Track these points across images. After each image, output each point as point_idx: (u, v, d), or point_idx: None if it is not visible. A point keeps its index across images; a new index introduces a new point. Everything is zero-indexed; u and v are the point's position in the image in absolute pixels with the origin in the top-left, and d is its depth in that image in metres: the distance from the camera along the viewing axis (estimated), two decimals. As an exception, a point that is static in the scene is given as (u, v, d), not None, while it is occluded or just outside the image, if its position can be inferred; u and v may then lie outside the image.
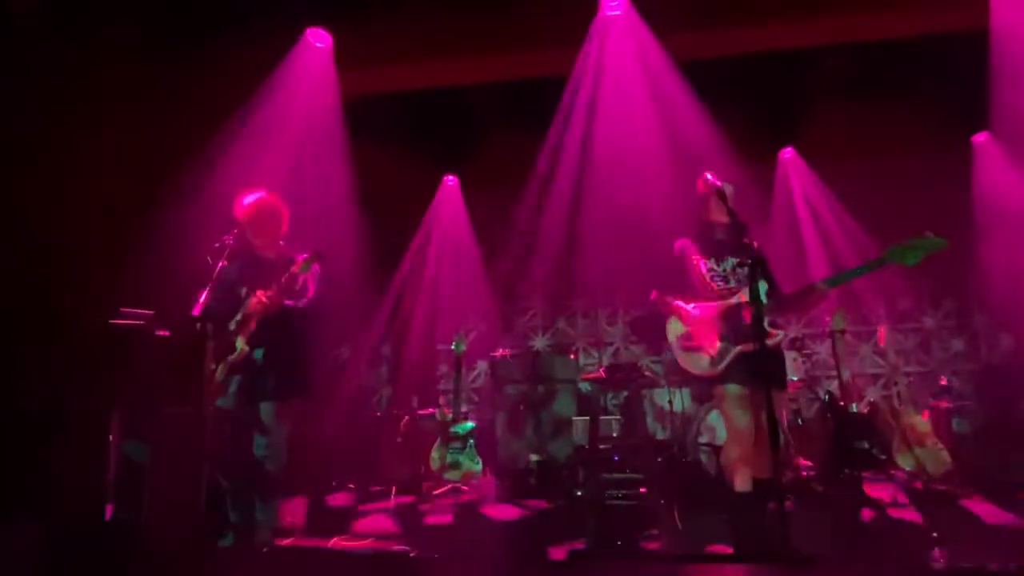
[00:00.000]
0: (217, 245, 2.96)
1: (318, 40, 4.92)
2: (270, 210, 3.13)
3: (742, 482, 2.56)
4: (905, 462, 4.33)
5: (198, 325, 2.69)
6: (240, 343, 2.90)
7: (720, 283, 2.75)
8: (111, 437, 3.16)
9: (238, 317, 2.93)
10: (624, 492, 4.16)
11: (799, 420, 4.94)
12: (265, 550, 2.79)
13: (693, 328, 2.73)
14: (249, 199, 3.11)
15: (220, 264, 2.88)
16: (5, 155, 3.60)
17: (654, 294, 2.89)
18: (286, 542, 3.14)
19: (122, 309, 3.20)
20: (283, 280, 2.88)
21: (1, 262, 3.50)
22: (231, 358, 2.90)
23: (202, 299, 2.71)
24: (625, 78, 5.13)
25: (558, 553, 3.04)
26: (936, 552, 2.56)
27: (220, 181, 4.28)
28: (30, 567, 2.05)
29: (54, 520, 2.58)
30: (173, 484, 3.05)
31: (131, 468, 3.10)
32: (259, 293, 2.88)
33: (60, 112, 3.84)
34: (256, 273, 3.03)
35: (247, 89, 4.70)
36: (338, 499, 4.84)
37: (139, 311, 3.22)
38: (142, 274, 3.67)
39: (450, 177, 6.77)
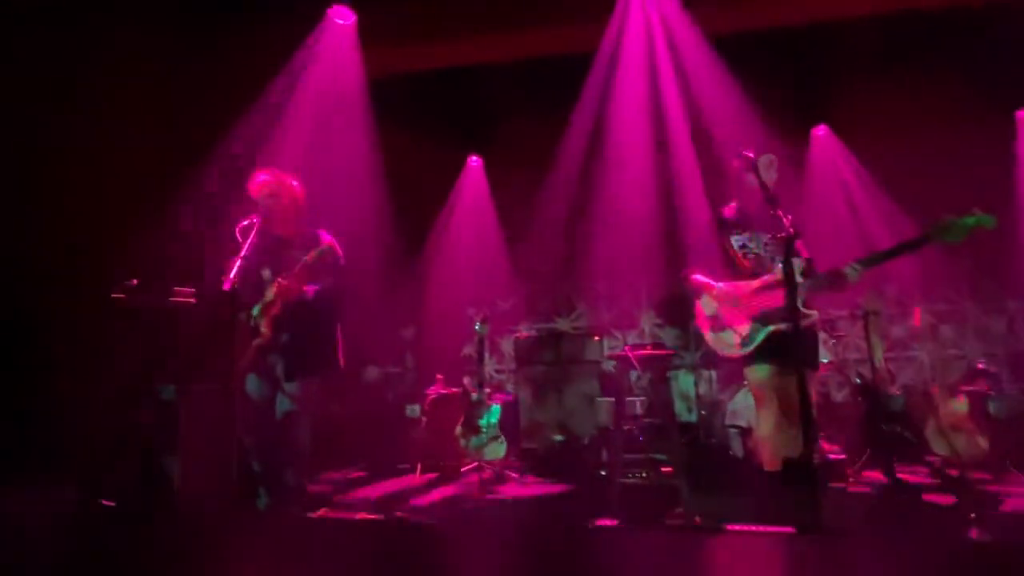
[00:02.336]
0: (245, 223, 2.98)
1: (342, 18, 4.90)
2: (281, 190, 3.10)
3: (772, 462, 2.52)
4: (939, 446, 4.23)
5: (227, 300, 2.72)
6: (264, 326, 2.92)
7: (753, 260, 2.69)
8: (143, 410, 3.24)
9: (263, 300, 2.96)
10: (648, 472, 4.14)
11: (829, 403, 4.85)
12: (294, 520, 2.84)
13: (724, 307, 2.68)
14: (261, 179, 3.10)
15: (248, 242, 2.90)
16: (32, 134, 3.67)
17: (686, 271, 2.84)
18: (313, 514, 3.19)
19: (138, 283, 3.24)
20: (297, 270, 2.89)
21: (29, 241, 3.58)
22: (257, 341, 2.93)
23: (232, 274, 2.74)
24: (653, 53, 5.02)
25: (581, 527, 3.04)
26: (973, 531, 2.50)
27: (244, 160, 4.31)
28: (62, 534, 2.11)
29: (87, 489, 2.65)
30: (204, 458, 3.12)
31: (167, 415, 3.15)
32: (278, 280, 2.90)
33: (82, 92, 3.89)
34: (278, 254, 3.05)
35: (271, 68, 4.71)
36: (363, 474, 4.91)
37: (158, 286, 3.26)
38: (169, 251, 3.74)
39: (474, 158, 6.74)
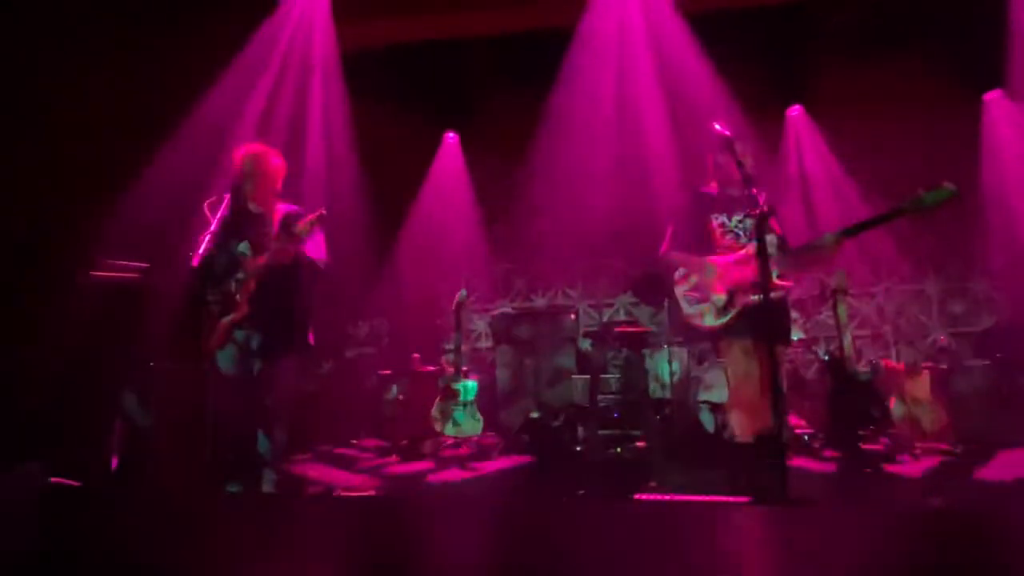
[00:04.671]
0: (215, 198, 2.91)
1: (314, -12, 4.76)
2: (267, 164, 3.05)
3: (744, 434, 2.58)
4: (902, 420, 4.38)
5: (197, 276, 2.67)
6: (240, 302, 2.87)
7: (730, 237, 2.72)
8: (115, 391, 3.18)
9: (238, 275, 2.90)
10: (622, 447, 4.22)
11: (798, 378, 4.97)
12: (269, 497, 2.83)
13: (701, 280, 2.71)
14: (245, 152, 3.04)
15: (218, 217, 2.83)
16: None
17: (663, 248, 2.86)
18: (289, 492, 3.18)
19: (107, 261, 3.18)
20: (282, 242, 2.83)
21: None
22: (228, 318, 2.88)
23: (201, 250, 2.68)
24: (632, 31, 4.99)
25: (556, 501, 3.09)
26: (930, 500, 2.60)
27: (216, 134, 4.20)
28: (35, 513, 2.07)
29: (59, 469, 2.60)
30: (177, 437, 3.08)
31: (135, 424, 3.14)
32: (274, 241, 2.84)
33: (49, 57, 3.74)
34: (252, 229, 2.99)
35: (243, 39, 4.56)
36: (340, 453, 4.90)
37: (128, 263, 3.19)
38: (137, 227, 3.64)
39: (451, 134, 6.66)
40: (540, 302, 6.85)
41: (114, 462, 2.98)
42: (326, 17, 4.91)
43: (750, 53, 5.32)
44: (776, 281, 2.50)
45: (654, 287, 4.95)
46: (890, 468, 3.81)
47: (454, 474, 4.09)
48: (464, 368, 4.99)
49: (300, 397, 4.47)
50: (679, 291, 2.75)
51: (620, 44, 5.05)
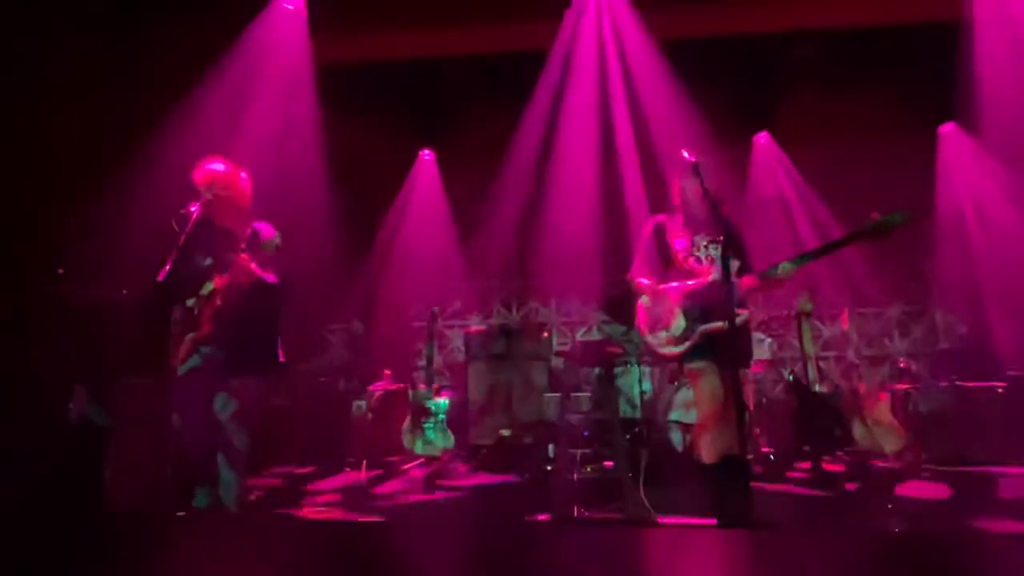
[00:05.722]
0: (183, 212, 2.88)
1: (290, 3, 4.76)
2: (230, 181, 3.03)
3: (710, 455, 2.61)
4: (863, 440, 4.48)
5: (162, 291, 2.63)
6: (203, 319, 2.83)
7: (693, 262, 2.77)
8: (73, 405, 3.10)
9: (202, 292, 2.86)
10: (593, 466, 4.23)
11: (763, 400, 5.05)
12: (233, 517, 2.77)
13: (663, 307, 2.75)
14: (208, 168, 3.02)
15: (185, 233, 2.80)
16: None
17: (629, 273, 2.90)
18: (254, 513, 3.12)
19: (63, 276, 3.12)
20: (247, 261, 2.81)
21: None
22: (192, 335, 2.83)
23: (167, 266, 2.65)
24: (604, 55, 5.10)
25: (526, 522, 3.08)
26: (890, 521, 2.67)
27: (186, 148, 4.14)
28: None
29: (16, 489, 2.51)
30: (138, 453, 3.01)
31: (93, 435, 3.05)
32: (239, 259, 2.81)
33: (19, 68, 3.67)
34: (218, 245, 2.96)
35: (216, 53, 4.53)
36: (309, 471, 4.81)
37: (85, 278, 3.13)
38: (104, 241, 3.56)
39: (426, 151, 6.68)
40: (514, 319, 6.87)
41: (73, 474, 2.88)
42: (302, 30, 4.91)
43: (719, 81, 5.47)
44: (736, 308, 2.55)
45: (625, 306, 5.01)
46: (851, 488, 3.89)
47: (422, 493, 4.05)
48: (436, 385, 4.97)
49: (265, 412, 4.39)
50: (642, 317, 2.80)
51: (592, 68, 5.16)
